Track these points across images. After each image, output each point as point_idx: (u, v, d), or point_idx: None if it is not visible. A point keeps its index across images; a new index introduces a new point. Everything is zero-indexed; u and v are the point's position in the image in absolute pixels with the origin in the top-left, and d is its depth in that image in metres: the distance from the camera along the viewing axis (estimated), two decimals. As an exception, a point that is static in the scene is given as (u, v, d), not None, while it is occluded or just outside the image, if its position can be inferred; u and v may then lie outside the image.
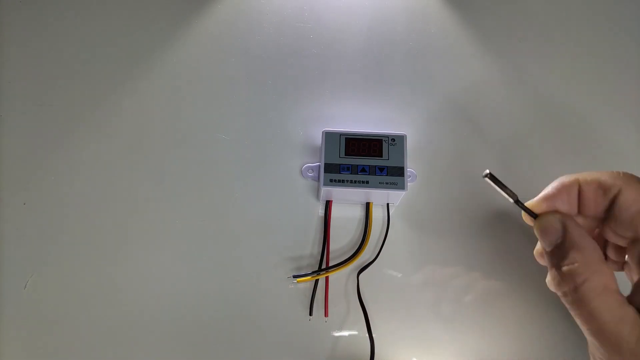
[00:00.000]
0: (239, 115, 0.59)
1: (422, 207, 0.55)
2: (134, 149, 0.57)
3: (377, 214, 0.55)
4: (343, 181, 0.51)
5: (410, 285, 0.53)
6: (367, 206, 0.54)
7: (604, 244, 0.35)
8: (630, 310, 0.27)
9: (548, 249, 0.30)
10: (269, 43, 0.63)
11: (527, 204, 0.33)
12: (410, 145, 0.56)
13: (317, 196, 0.55)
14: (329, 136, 0.53)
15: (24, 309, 0.51)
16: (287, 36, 0.64)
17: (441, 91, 0.61)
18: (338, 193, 0.53)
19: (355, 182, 0.51)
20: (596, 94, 0.62)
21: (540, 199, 0.33)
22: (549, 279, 0.32)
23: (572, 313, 0.28)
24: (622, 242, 0.32)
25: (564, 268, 0.28)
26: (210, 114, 0.59)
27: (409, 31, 0.64)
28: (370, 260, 0.52)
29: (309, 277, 0.51)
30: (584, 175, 0.31)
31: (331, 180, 0.51)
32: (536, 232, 0.32)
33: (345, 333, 0.51)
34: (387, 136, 0.53)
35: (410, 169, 0.56)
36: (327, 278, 0.52)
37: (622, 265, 0.35)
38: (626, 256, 0.33)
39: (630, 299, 0.28)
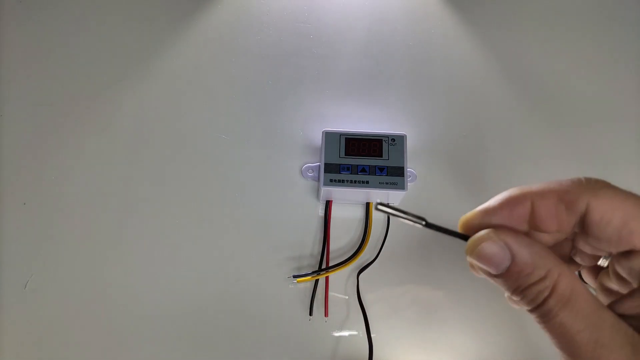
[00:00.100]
0: (239, 116, 0.59)
1: (422, 207, 0.55)
2: (133, 149, 0.57)
3: (377, 214, 0.55)
4: (343, 181, 0.51)
5: (410, 285, 0.53)
6: (367, 206, 0.54)
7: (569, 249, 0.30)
8: (608, 314, 0.23)
9: (496, 274, 0.25)
10: (269, 43, 0.63)
11: (462, 219, 0.27)
12: (410, 145, 0.56)
13: (317, 196, 0.55)
14: (329, 136, 0.53)
15: (24, 308, 0.51)
16: (287, 36, 0.64)
17: (441, 91, 0.61)
18: (338, 193, 0.53)
19: (355, 182, 0.51)
20: (598, 94, 0.62)
21: (478, 213, 0.26)
22: (507, 297, 0.27)
23: (541, 327, 0.24)
24: (601, 253, 0.28)
25: (525, 293, 0.24)
26: (210, 114, 0.59)
27: (408, 31, 0.64)
28: (370, 260, 0.52)
29: (309, 277, 0.51)
30: (537, 188, 0.25)
31: (331, 180, 0.51)
32: (472, 258, 0.25)
33: (345, 333, 0.51)
34: (387, 136, 0.53)
35: (410, 169, 0.56)
36: (327, 278, 0.52)
37: (591, 270, 0.30)
38: (603, 262, 0.28)
39: (612, 306, 0.24)
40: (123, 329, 0.50)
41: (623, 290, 0.27)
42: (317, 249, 0.53)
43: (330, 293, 0.52)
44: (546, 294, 0.23)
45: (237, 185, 0.56)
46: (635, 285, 0.25)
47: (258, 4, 0.65)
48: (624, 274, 0.26)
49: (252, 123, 0.59)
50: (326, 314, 0.51)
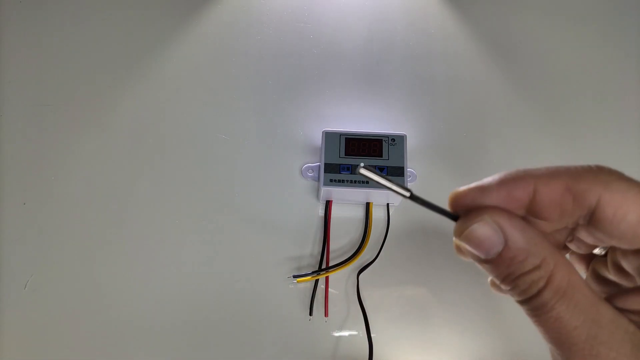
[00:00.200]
0: (239, 116, 0.59)
1: (422, 208, 0.55)
2: (133, 150, 0.57)
3: (377, 214, 0.55)
4: (343, 181, 0.51)
5: (411, 286, 0.53)
6: (367, 206, 0.54)
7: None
8: (607, 309, 0.21)
9: (486, 259, 0.22)
10: (269, 43, 0.63)
11: (453, 194, 0.24)
12: (410, 145, 0.56)
13: (317, 196, 0.55)
14: (329, 136, 0.53)
15: (24, 309, 0.51)
16: (287, 36, 0.64)
17: (441, 91, 0.61)
18: (338, 193, 0.53)
19: (355, 182, 0.51)
20: (600, 94, 0.62)
21: (472, 190, 0.23)
22: (492, 281, 0.25)
23: (532, 321, 0.22)
24: (605, 245, 0.25)
25: (517, 282, 0.22)
26: (209, 114, 0.59)
27: (409, 31, 0.64)
28: (371, 260, 0.52)
29: (308, 277, 0.51)
30: (541, 172, 0.22)
31: (331, 180, 0.51)
32: (460, 241, 0.23)
33: (345, 333, 0.51)
34: (387, 136, 0.53)
35: (410, 169, 0.56)
36: (327, 278, 0.52)
37: (584, 256, 0.28)
38: (599, 251, 0.26)
39: (611, 300, 0.22)
40: (122, 330, 0.50)
41: (622, 282, 0.25)
42: (317, 248, 0.53)
43: (330, 291, 0.51)
44: (541, 284, 0.21)
45: (237, 186, 0.56)
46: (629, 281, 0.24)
47: (258, 4, 0.65)
48: (630, 269, 0.24)
49: (251, 123, 0.59)
50: (326, 314, 0.51)
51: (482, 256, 0.22)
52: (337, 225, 0.54)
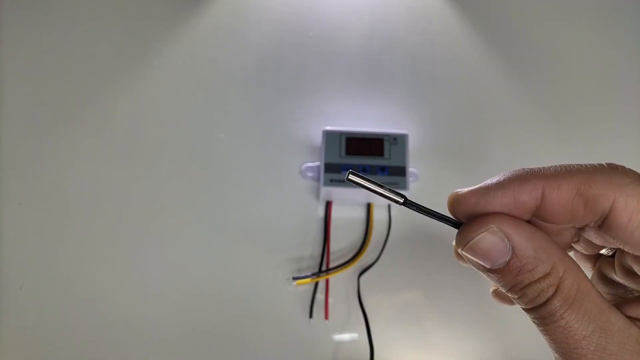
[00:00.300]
0: (238, 114, 0.59)
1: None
2: (130, 149, 0.56)
3: (379, 215, 0.54)
4: (343, 181, 0.50)
5: (412, 289, 0.52)
6: (368, 207, 0.53)
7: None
8: (617, 317, 0.20)
9: (491, 268, 0.21)
10: (268, 41, 0.62)
11: (453, 197, 0.23)
12: (412, 144, 0.55)
13: (317, 197, 0.54)
14: (329, 135, 0.52)
15: (20, 310, 0.50)
16: (286, 34, 0.63)
17: (444, 89, 0.61)
18: (338, 193, 0.52)
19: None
20: (602, 94, 0.61)
21: (474, 194, 0.22)
22: (495, 291, 0.25)
23: (539, 329, 0.21)
24: (615, 247, 0.24)
25: (525, 291, 0.21)
26: (208, 113, 0.58)
27: (410, 29, 0.64)
28: (372, 262, 0.51)
29: (308, 280, 0.50)
30: (550, 174, 0.21)
31: (331, 181, 0.50)
32: (464, 252, 0.22)
33: (346, 336, 0.50)
34: (388, 135, 0.52)
35: (412, 168, 0.55)
36: (327, 280, 0.51)
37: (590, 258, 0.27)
38: (606, 252, 0.25)
39: (621, 307, 0.21)
40: (120, 331, 0.50)
41: (629, 284, 0.24)
42: (317, 250, 0.52)
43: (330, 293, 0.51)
44: (550, 293, 0.20)
45: (236, 186, 0.55)
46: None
47: (257, 2, 0.64)
48: None
49: (251, 122, 0.58)
50: (326, 317, 0.50)
51: (488, 266, 0.21)
52: (338, 226, 0.53)
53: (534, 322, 0.21)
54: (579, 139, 0.59)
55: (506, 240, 0.21)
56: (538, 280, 0.20)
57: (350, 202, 0.54)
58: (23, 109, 0.58)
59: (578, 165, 0.21)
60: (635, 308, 0.21)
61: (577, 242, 0.26)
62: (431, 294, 0.52)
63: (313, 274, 0.50)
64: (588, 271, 0.26)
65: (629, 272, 0.24)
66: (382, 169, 0.51)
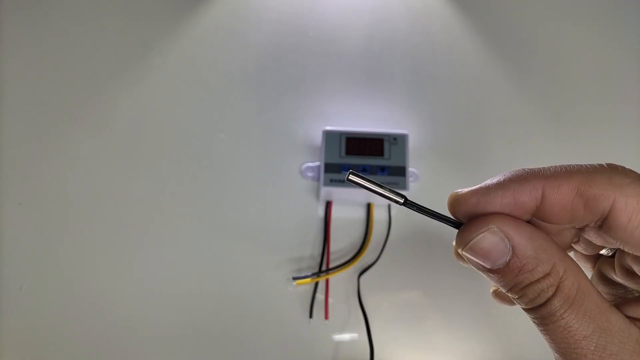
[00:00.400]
0: (238, 114, 0.58)
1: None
2: (130, 149, 0.56)
3: (379, 215, 0.54)
4: (343, 181, 0.50)
5: (412, 288, 0.52)
6: (369, 207, 0.53)
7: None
8: (617, 317, 0.20)
9: (491, 268, 0.21)
10: (268, 41, 0.62)
11: (453, 197, 0.23)
12: (412, 144, 0.55)
13: (317, 196, 0.54)
14: (329, 135, 0.52)
15: (20, 310, 0.50)
16: (286, 34, 0.63)
17: (444, 89, 0.61)
18: (338, 193, 0.52)
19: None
20: (603, 94, 0.61)
21: (474, 194, 0.22)
22: (495, 291, 0.25)
23: (539, 329, 0.21)
24: (614, 247, 0.24)
25: (526, 291, 0.21)
26: (207, 113, 0.58)
27: (410, 29, 0.64)
28: (372, 262, 0.51)
29: (308, 280, 0.50)
30: (550, 174, 0.21)
31: (331, 181, 0.50)
32: (464, 252, 0.22)
33: (346, 336, 0.50)
34: (388, 135, 0.52)
35: (412, 168, 0.55)
36: (327, 280, 0.51)
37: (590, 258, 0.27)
38: (606, 252, 0.25)
39: (621, 307, 0.21)
40: (120, 332, 0.50)
41: (629, 284, 0.24)
42: (317, 250, 0.52)
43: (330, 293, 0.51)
44: (550, 293, 0.20)
45: (236, 186, 0.55)
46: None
47: (256, 2, 0.64)
48: None
49: (250, 122, 0.58)
50: (326, 317, 0.50)
51: (488, 266, 0.21)
52: (338, 226, 0.53)
53: (534, 322, 0.21)
54: (579, 139, 0.59)
55: (506, 240, 0.21)
56: (538, 281, 0.20)
57: (350, 202, 0.54)
58: (23, 108, 0.58)
59: (578, 165, 0.21)
60: (635, 308, 0.21)
61: (577, 242, 0.26)
62: (431, 294, 0.51)
63: (313, 274, 0.50)
64: (588, 271, 0.26)
65: (629, 273, 0.24)
66: (382, 169, 0.51)
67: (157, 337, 0.50)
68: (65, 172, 0.55)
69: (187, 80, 0.60)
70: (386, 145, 0.52)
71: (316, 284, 0.50)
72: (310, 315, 0.50)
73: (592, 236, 0.23)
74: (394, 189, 0.22)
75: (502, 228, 0.21)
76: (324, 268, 0.51)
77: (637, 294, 0.23)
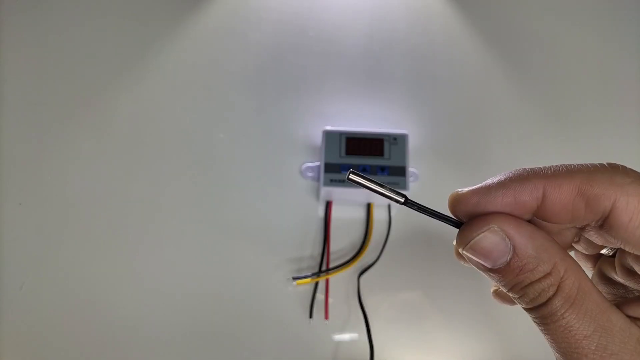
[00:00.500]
0: (238, 114, 0.58)
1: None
2: (130, 149, 0.56)
3: (379, 215, 0.54)
4: (343, 181, 0.50)
5: (412, 289, 0.52)
6: (369, 207, 0.53)
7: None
8: (618, 317, 0.20)
9: (492, 268, 0.21)
10: (268, 41, 0.62)
11: (454, 196, 0.23)
12: (412, 144, 0.55)
13: (317, 196, 0.54)
14: (329, 135, 0.52)
15: (20, 310, 0.50)
16: (286, 34, 0.63)
17: (444, 89, 0.61)
18: (338, 193, 0.52)
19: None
20: (603, 94, 0.61)
21: (475, 193, 0.22)
22: (496, 291, 0.25)
23: (540, 329, 0.21)
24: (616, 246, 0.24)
25: (526, 290, 0.21)
26: (208, 113, 0.58)
27: (410, 29, 0.63)
28: (372, 262, 0.51)
29: (308, 280, 0.50)
30: (551, 174, 0.21)
31: (331, 181, 0.50)
32: (464, 251, 0.22)
33: (346, 336, 0.50)
34: (388, 135, 0.52)
35: (412, 168, 0.55)
36: (327, 280, 0.51)
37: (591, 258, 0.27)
38: (607, 252, 0.25)
39: (622, 307, 0.21)
40: (120, 331, 0.50)
41: (630, 284, 0.24)
42: (317, 250, 0.52)
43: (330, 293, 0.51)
44: (550, 293, 0.20)
45: (236, 186, 0.55)
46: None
47: (256, 2, 0.64)
48: None
49: (250, 122, 0.58)
50: (326, 317, 0.50)
51: (489, 266, 0.21)
52: (338, 226, 0.53)
53: (535, 321, 0.21)
54: (580, 139, 0.59)
55: (507, 239, 0.21)
56: (539, 280, 0.20)
57: (350, 202, 0.54)
58: (23, 108, 0.58)
59: (579, 165, 0.21)
60: (635, 308, 0.21)
61: (577, 242, 0.26)
62: (431, 294, 0.51)
63: (313, 274, 0.50)
64: (589, 271, 0.26)
65: (630, 272, 0.23)
66: (382, 169, 0.51)
67: (157, 337, 0.50)
68: (65, 172, 0.55)
69: (187, 80, 0.60)
70: (386, 145, 0.52)
71: (316, 284, 0.50)
72: (310, 315, 0.50)
73: (592, 236, 0.23)
74: (394, 189, 0.22)
75: (503, 227, 0.21)
76: (324, 268, 0.51)
77: (637, 294, 0.23)
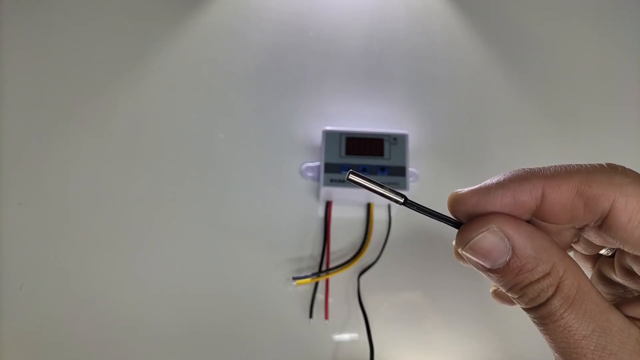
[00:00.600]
0: (238, 114, 0.58)
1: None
2: (130, 149, 0.56)
3: (379, 215, 0.54)
4: (343, 181, 0.50)
5: (412, 289, 0.52)
6: (369, 207, 0.53)
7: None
8: (617, 317, 0.20)
9: (491, 268, 0.21)
10: (268, 41, 0.62)
11: (453, 197, 0.23)
12: (412, 144, 0.55)
13: (317, 196, 0.54)
14: (329, 135, 0.52)
15: (19, 310, 0.50)
16: (286, 34, 0.63)
17: (444, 89, 0.61)
18: (338, 193, 0.52)
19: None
20: (603, 94, 0.61)
21: (474, 194, 0.22)
22: (495, 291, 0.25)
23: (539, 329, 0.21)
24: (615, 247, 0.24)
25: (526, 291, 0.21)
26: (208, 114, 0.58)
27: (410, 29, 0.63)
28: (372, 262, 0.51)
29: (308, 280, 0.50)
30: (550, 174, 0.21)
31: (331, 181, 0.50)
32: (464, 251, 0.22)
33: (346, 336, 0.50)
34: (388, 135, 0.52)
35: (412, 168, 0.55)
36: (327, 280, 0.51)
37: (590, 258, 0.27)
38: (606, 252, 0.25)
39: (620, 307, 0.21)
40: (120, 332, 0.50)
41: (629, 284, 0.24)
42: (317, 250, 0.52)
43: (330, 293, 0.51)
44: (550, 293, 0.20)
45: (236, 186, 0.55)
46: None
47: (256, 1, 0.64)
48: None
49: (250, 122, 0.58)
50: (326, 317, 0.50)
51: (488, 266, 0.21)
52: (338, 226, 0.53)
53: (534, 322, 0.21)
54: (579, 139, 0.59)
55: (506, 240, 0.21)
56: (538, 280, 0.21)
57: (350, 202, 0.54)
58: (23, 108, 0.58)
59: (578, 165, 0.21)
60: (635, 308, 0.21)
61: (576, 242, 0.26)
62: (431, 294, 0.51)
63: (313, 274, 0.50)
64: (588, 271, 0.26)
65: (629, 272, 0.24)
66: (382, 169, 0.51)
67: (156, 337, 0.50)
68: (65, 172, 0.55)
69: (187, 80, 0.60)
70: (386, 145, 0.52)
71: (316, 284, 0.50)
72: (310, 315, 0.50)
73: (591, 236, 0.23)
74: (394, 189, 0.22)
75: (502, 228, 0.21)
76: (324, 268, 0.51)
77: (636, 294, 0.23)
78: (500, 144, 0.58)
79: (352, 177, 0.22)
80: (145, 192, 0.55)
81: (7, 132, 0.57)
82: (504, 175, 0.21)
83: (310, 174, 0.55)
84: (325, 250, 0.52)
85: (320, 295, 0.50)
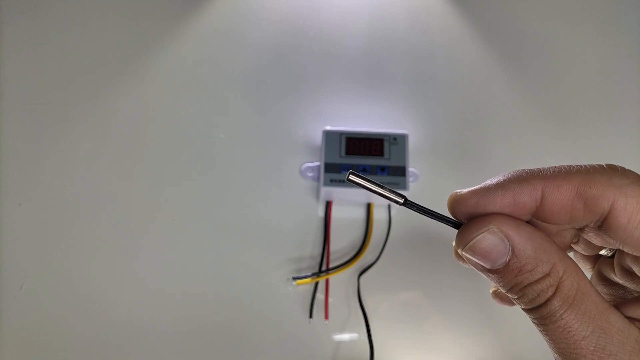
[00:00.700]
0: (238, 115, 0.58)
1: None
2: (130, 149, 0.56)
3: (379, 215, 0.54)
4: (343, 181, 0.50)
5: (412, 289, 0.52)
6: (369, 207, 0.53)
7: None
8: (616, 317, 0.20)
9: (491, 268, 0.21)
10: (268, 41, 0.62)
11: (453, 197, 0.23)
12: (412, 144, 0.55)
13: (317, 196, 0.54)
14: (329, 135, 0.52)
15: (20, 310, 0.50)
16: (286, 34, 0.63)
17: (444, 89, 0.61)
18: (338, 193, 0.52)
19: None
20: (603, 94, 0.61)
21: (474, 194, 0.22)
22: (495, 292, 0.25)
23: (538, 330, 0.21)
24: (614, 247, 0.24)
25: (525, 291, 0.21)
26: (208, 113, 0.58)
27: (410, 29, 0.63)
28: (372, 262, 0.51)
29: (308, 280, 0.50)
30: (550, 175, 0.21)
31: (331, 181, 0.50)
32: (464, 252, 0.22)
33: (346, 336, 0.50)
34: (388, 135, 0.52)
35: (412, 168, 0.55)
36: (327, 280, 0.51)
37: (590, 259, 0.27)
38: (605, 252, 0.25)
39: (620, 308, 0.21)
40: (120, 332, 0.50)
41: (629, 285, 0.24)
42: (317, 250, 0.52)
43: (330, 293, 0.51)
44: (549, 293, 0.20)
45: (236, 186, 0.55)
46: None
47: (256, 2, 0.64)
48: None
49: (250, 122, 0.58)
50: (326, 317, 0.50)
51: (488, 267, 0.21)
52: (338, 226, 0.53)
53: (534, 322, 0.21)
54: (579, 139, 0.59)
55: (506, 240, 0.21)
56: (538, 281, 0.21)
57: (350, 202, 0.54)
58: (23, 108, 0.58)
59: (578, 165, 0.21)
60: (634, 308, 0.21)
61: (576, 242, 0.26)
62: (431, 294, 0.51)
63: (313, 274, 0.50)
64: (587, 272, 0.26)
65: (629, 273, 0.24)
66: (382, 169, 0.51)
67: (156, 337, 0.50)
68: (65, 172, 0.55)
69: (187, 80, 0.60)
70: (386, 145, 0.52)
71: (316, 284, 0.50)
72: (310, 315, 0.50)
73: (591, 236, 0.23)
74: (394, 189, 0.22)
75: (502, 228, 0.21)
76: (324, 268, 0.51)
77: (636, 294, 0.23)
78: (500, 144, 0.58)
79: (352, 177, 0.22)
80: (145, 192, 0.55)
81: (7, 132, 0.57)
82: (504, 175, 0.21)
83: (310, 174, 0.55)
84: (325, 250, 0.52)
85: (320, 295, 0.51)
